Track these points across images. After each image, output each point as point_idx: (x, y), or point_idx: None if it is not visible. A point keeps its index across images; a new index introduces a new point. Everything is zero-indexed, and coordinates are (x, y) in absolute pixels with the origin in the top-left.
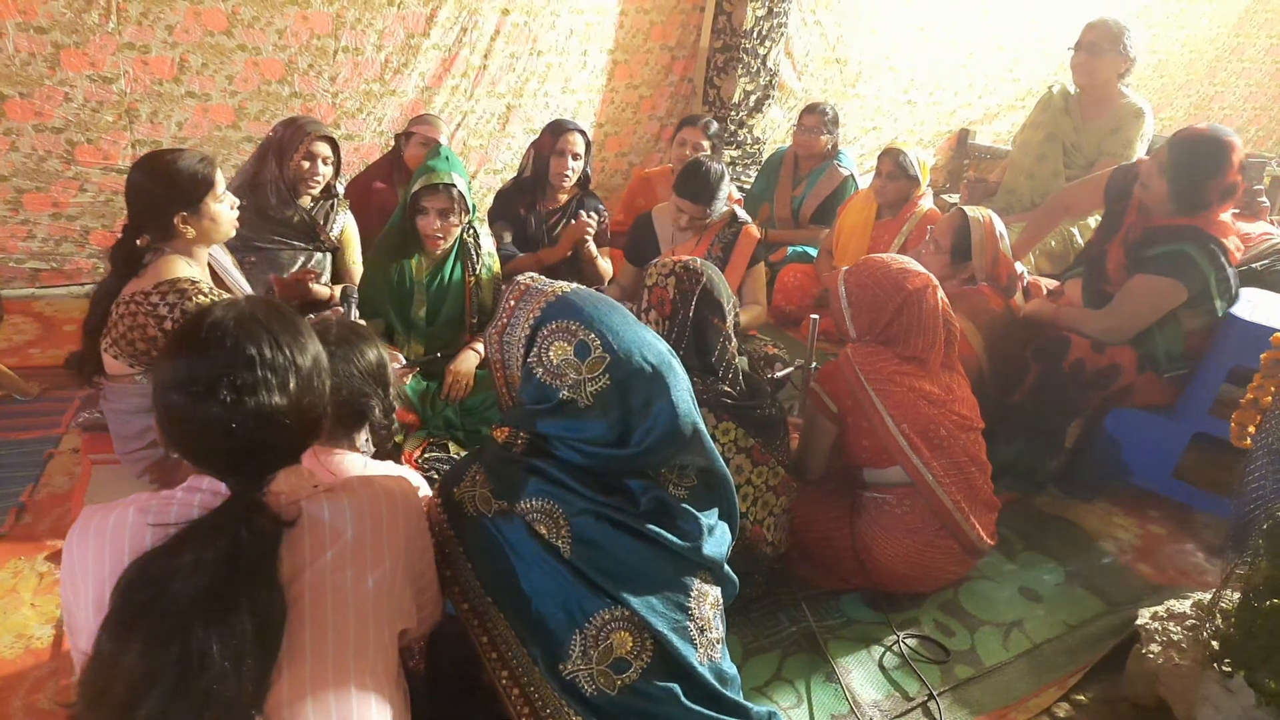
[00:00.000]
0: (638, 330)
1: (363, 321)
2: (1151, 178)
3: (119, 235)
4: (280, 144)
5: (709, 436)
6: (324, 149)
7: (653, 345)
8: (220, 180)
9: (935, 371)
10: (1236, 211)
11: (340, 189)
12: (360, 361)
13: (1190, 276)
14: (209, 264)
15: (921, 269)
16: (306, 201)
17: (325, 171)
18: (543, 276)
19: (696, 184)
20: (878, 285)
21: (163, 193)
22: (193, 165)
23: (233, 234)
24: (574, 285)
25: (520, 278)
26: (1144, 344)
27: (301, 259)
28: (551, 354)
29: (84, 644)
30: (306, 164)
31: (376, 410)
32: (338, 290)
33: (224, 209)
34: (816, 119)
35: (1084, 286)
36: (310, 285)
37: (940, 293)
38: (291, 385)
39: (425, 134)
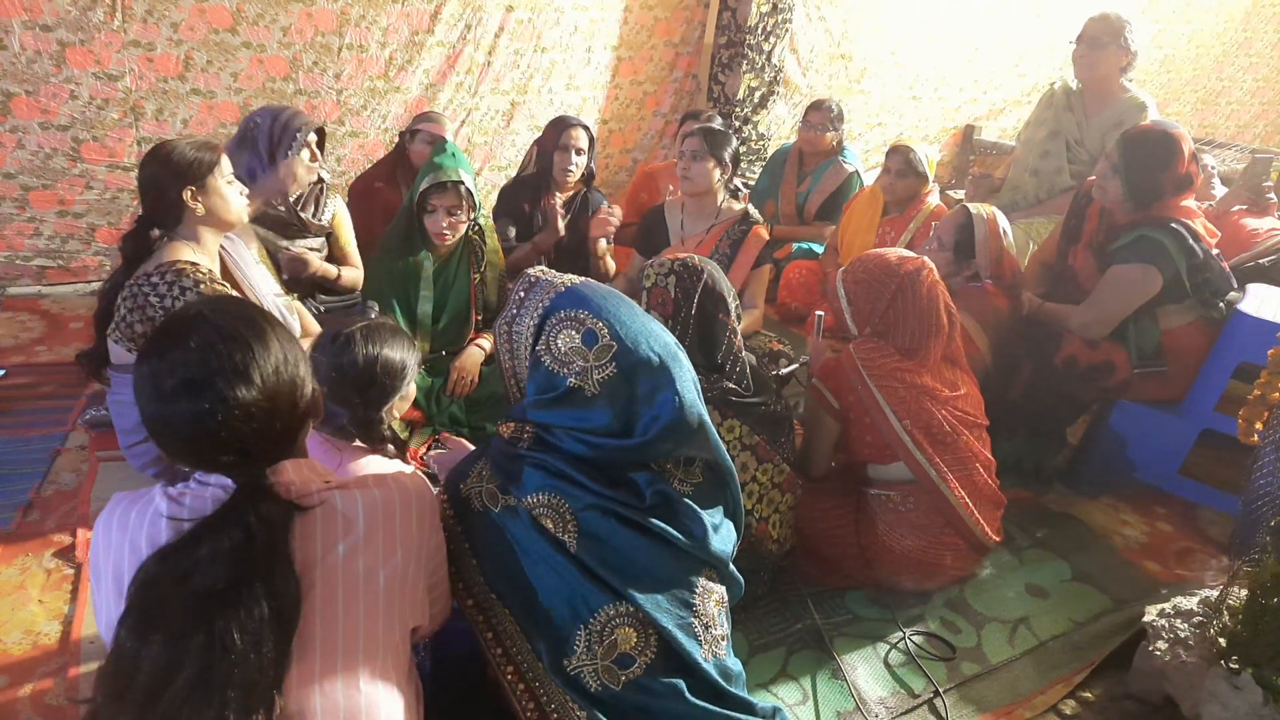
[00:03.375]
0: (645, 322)
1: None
2: (1106, 178)
3: (131, 228)
4: (270, 140)
5: (713, 431)
6: (315, 139)
7: (659, 336)
8: (226, 163)
9: (937, 366)
10: (1244, 208)
11: (327, 175)
12: (345, 365)
13: (1157, 258)
14: (222, 258)
15: (915, 255)
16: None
17: (317, 164)
18: (551, 270)
19: (704, 125)
20: (872, 276)
21: (169, 171)
22: (197, 144)
23: (244, 221)
24: (583, 278)
25: (530, 270)
26: (1120, 340)
27: (293, 245)
28: (559, 342)
29: (103, 629)
30: (306, 155)
31: (350, 418)
32: (343, 272)
33: (232, 190)
34: (822, 115)
35: (1060, 299)
36: (311, 262)
37: (935, 274)
38: (255, 375)
39: (430, 131)
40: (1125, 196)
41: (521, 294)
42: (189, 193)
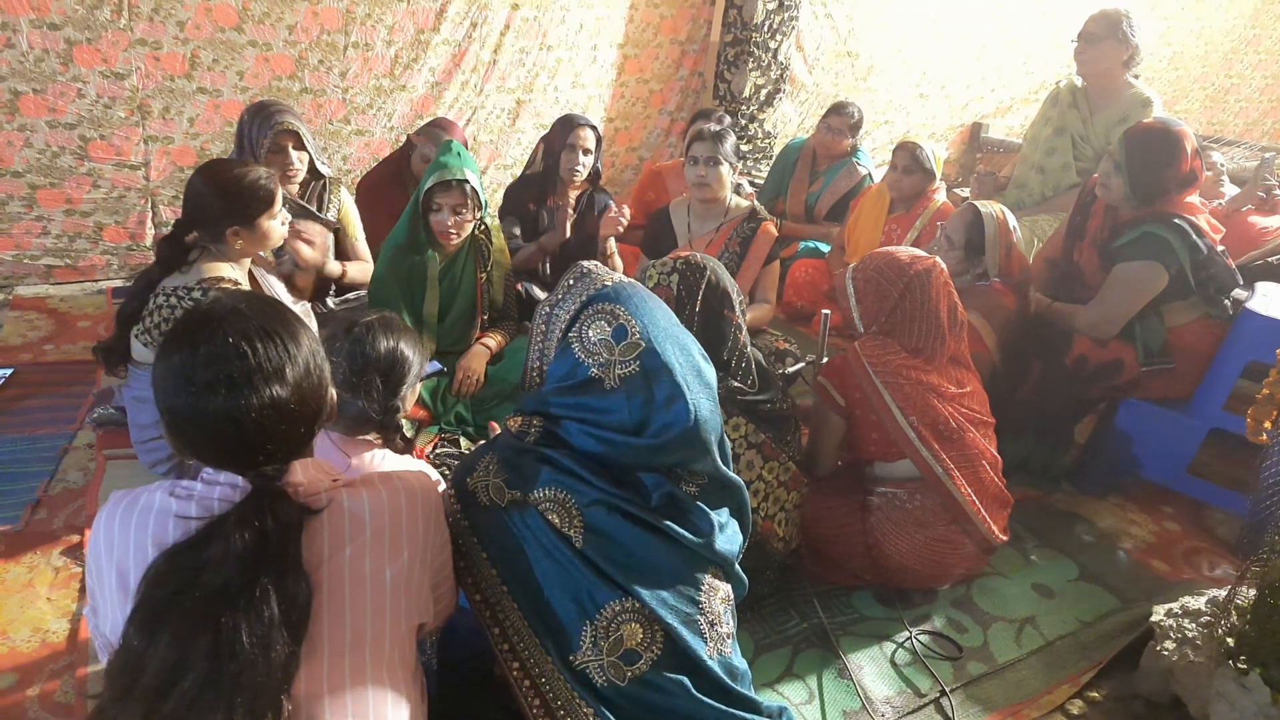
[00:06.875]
0: (678, 333)
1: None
2: (1109, 176)
3: (170, 231)
4: (250, 140)
5: (727, 448)
6: (288, 139)
7: (688, 349)
8: (279, 197)
9: (944, 365)
10: (1251, 206)
11: (327, 170)
12: (367, 353)
13: (1162, 255)
14: (249, 268)
15: (926, 254)
16: (295, 188)
17: (298, 156)
18: (603, 266)
19: (711, 130)
20: (881, 275)
21: (220, 204)
22: (255, 185)
23: (279, 245)
24: (631, 279)
25: (584, 262)
26: (1128, 338)
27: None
28: (591, 332)
29: (107, 628)
30: (277, 158)
31: (370, 407)
32: (348, 268)
33: (275, 225)
34: (842, 120)
35: (1065, 296)
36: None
37: (946, 274)
38: (289, 373)
39: (434, 147)
40: (1128, 194)
41: (570, 281)
42: (232, 231)
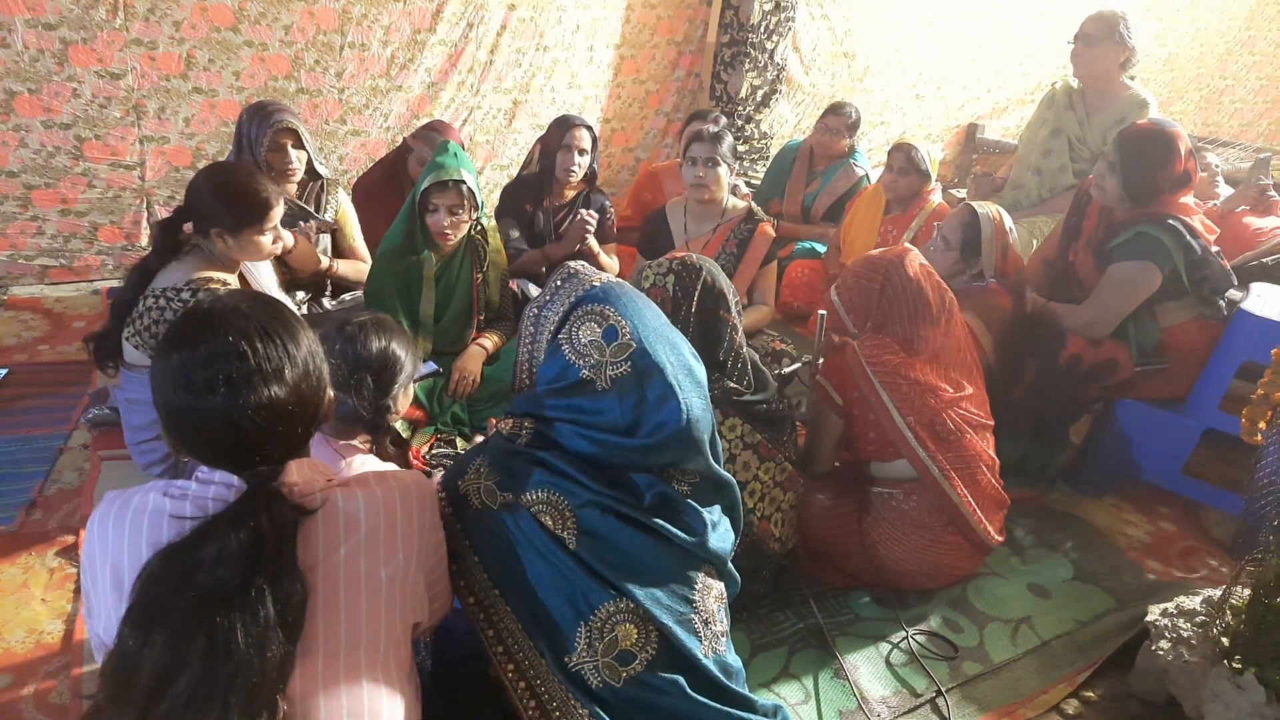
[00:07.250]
0: (669, 332)
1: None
2: (1104, 177)
3: (167, 217)
4: (249, 138)
5: (719, 447)
6: (287, 137)
7: (678, 348)
8: (274, 216)
9: (937, 357)
10: (1246, 208)
11: (325, 170)
12: (359, 352)
13: (1157, 255)
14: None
15: (898, 246)
16: (293, 188)
17: (296, 155)
18: (591, 266)
19: (710, 131)
20: (859, 276)
21: (213, 206)
22: (251, 196)
23: (267, 259)
24: (619, 279)
25: (571, 263)
26: (1122, 338)
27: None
28: (581, 333)
29: (101, 629)
30: (276, 156)
31: (360, 406)
32: (338, 264)
33: (265, 239)
34: (840, 120)
35: (1060, 297)
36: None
37: (921, 259)
38: (288, 374)
39: (430, 151)
40: (1122, 195)
41: (558, 283)
42: (217, 233)
